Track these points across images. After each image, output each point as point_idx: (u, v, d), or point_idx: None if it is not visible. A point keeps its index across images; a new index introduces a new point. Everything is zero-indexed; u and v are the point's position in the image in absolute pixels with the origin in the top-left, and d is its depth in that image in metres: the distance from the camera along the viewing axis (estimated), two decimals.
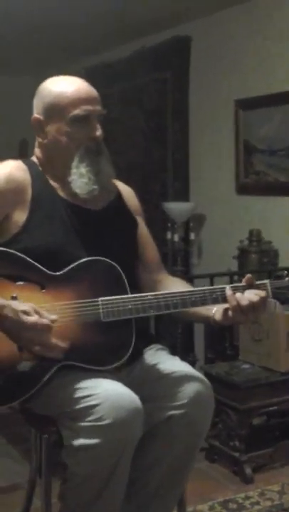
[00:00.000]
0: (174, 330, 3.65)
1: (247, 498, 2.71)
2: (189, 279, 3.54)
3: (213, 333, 3.53)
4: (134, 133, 4.73)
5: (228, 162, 3.98)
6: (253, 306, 1.78)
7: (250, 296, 1.79)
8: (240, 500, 2.69)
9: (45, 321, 1.65)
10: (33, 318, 1.64)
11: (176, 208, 4.07)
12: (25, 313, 1.64)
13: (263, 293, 1.81)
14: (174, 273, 3.74)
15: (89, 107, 1.83)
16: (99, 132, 1.86)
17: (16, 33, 4.32)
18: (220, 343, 3.49)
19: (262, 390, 2.97)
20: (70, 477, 1.73)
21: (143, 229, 2.06)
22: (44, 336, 1.65)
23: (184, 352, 3.39)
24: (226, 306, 1.81)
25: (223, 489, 2.80)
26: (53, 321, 1.66)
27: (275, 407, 3.02)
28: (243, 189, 3.91)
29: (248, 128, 3.83)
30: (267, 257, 3.61)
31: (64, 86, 1.86)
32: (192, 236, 4.09)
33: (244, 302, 1.77)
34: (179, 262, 4.06)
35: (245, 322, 1.84)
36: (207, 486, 2.82)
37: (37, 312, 1.66)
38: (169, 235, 4.11)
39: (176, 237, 4.06)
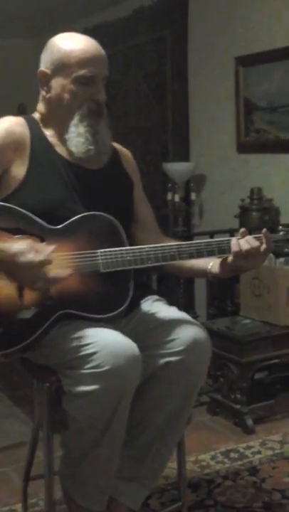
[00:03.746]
0: (176, 287, 3.70)
1: (248, 447, 2.78)
2: (189, 237, 3.58)
3: (214, 290, 3.58)
4: (134, 95, 4.72)
5: (228, 121, 3.97)
6: (252, 250, 1.80)
7: (250, 240, 1.82)
8: (242, 450, 2.76)
9: (40, 256, 1.68)
10: (29, 257, 1.67)
11: (176, 169, 4.07)
12: (20, 253, 1.67)
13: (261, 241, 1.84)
14: (175, 234, 3.79)
15: (95, 69, 1.85)
16: (102, 95, 1.88)
17: None
18: (221, 299, 3.54)
19: (262, 344, 3.01)
20: (70, 423, 1.79)
21: (139, 190, 2.09)
22: (42, 271, 1.69)
23: (186, 309, 3.43)
24: (222, 257, 1.85)
25: (225, 440, 2.87)
26: (51, 252, 1.69)
27: (276, 360, 3.07)
28: (243, 148, 3.91)
29: (248, 85, 3.81)
30: (268, 215, 3.62)
31: (73, 44, 1.86)
32: (193, 196, 4.10)
33: (244, 246, 1.80)
34: (180, 223, 4.07)
35: (244, 269, 1.86)
36: (209, 438, 2.89)
37: (32, 248, 1.69)
38: (169, 196, 4.12)
39: (176, 198, 4.07)
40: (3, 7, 4.61)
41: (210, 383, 3.15)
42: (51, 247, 1.71)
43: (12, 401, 3.38)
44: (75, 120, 1.87)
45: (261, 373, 3.15)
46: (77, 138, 1.87)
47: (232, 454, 2.72)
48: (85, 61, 1.84)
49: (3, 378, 3.60)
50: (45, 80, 1.89)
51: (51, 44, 1.90)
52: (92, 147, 1.88)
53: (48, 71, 1.88)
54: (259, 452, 2.73)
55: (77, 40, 1.88)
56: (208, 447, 2.78)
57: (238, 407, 2.98)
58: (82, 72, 1.84)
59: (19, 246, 1.70)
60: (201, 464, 2.64)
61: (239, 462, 2.64)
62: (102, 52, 1.89)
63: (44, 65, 1.90)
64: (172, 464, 2.24)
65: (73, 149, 1.88)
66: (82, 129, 1.87)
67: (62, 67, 1.85)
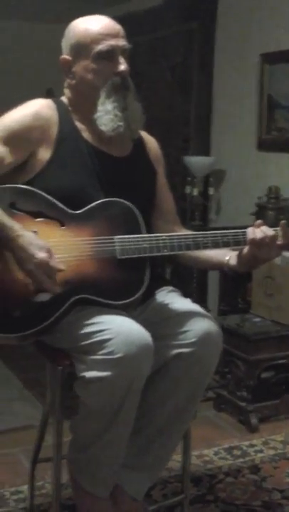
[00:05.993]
0: (189, 282, 3.69)
1: (251, 445, 2.78)
2: (205, 231, 3.56)
3: (227, 286, 3.57)
4: (158, 86, 4.70)
5: (250, 118, 3.95)
6: (266, 238, 1.80)
7: (265, 229, 1.82)
8: (245, 448, 2.76)
9: (53, 262, 1.70)
10: (44, 255, 1.69)
11: (196, 163, 4.06)
12: (39, 247, 1.69)
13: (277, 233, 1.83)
14: (191, 228, 3.77)
15: (112, 42, 1.84)
16: (124, 66, 1.86)
17: None
18: (233, 296, 3.53)
19: (271, 343, 3.01)
20: (81, 408, 1.80)
21: (162, 180, 2.09)
22: (45, 276, 1.71)
23: (198, 304, 3.43)
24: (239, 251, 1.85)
25: (229, 437, 2.88)
26: (59, 270, 1.72)
27: (284, 361, 3.07)
28: (263, 145, 3.88)
29: (272, 83, 3.79)
30: (284, 214, 3.60)
31: (87, 24, 1.87)
32: (211, 191, 4.09)
33: (259, 234, 1.80)
34: (197, 217, 4.06)
35: (259, 260, 1.84)
36: (213, 433, 2.90)
37: (49, 253, 1.71)
38: (188, 190, 4.10)
39: (195, 192, 4.05)
40: None
41: (217, 379, 3.15)
42: (61, 267, 1.72)
43: (23, 384, 3.39)
44: (102, 98, 1.86)
45: (268, 372, 3.14)
46: (106, 116, 1.86)
47: (235, 451, 2.72)
48: (100, 36, 1.84)
49: (14, 362, 3.62)
50: (68, 66, 1.90)
51: (68, 30, 1.91)
52: (121, 123, 1.87)
53: (69, 57, 1.89)
54: (261, 451, 2.73)
55: (89, 20, 1.88)
56: (211, 443, 2.78)
57: (243, 404, 2.98)
58: (99, 47, 1.83)
59: (42, 242, 1.72)
60: (204, 458, 2.64)
61: (241, 460, 2.64)
62: (117, 25, 1.88)
63: (65, 51, 1.91)
64: (176, 457, 2.25)
65: (102, 128, 1.87)
66: (109, 106, 1.86)
67: (81, 48, 1.86)
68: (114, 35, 1.85)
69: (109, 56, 1.85)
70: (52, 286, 1.72)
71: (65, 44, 1.91)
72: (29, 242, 1.70)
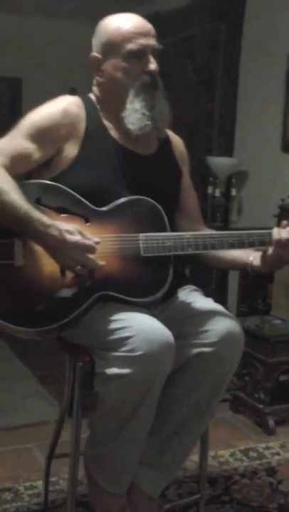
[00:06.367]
0: (208, 283, 3.69)
1: (268, 448, 2.77)
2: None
3: (247, 288, 3.56)
4: (184, 86, 4.69)
5: (275, 119, 3.93)
6: None
7: None
8: (261, 450, 2.75)
9: (88, 241, 1.71)
10: (77, 237, 1.70)
11: (219, 163, 4.05)
12: (69, 232, 1.70)
13: None
14: (212, 228, 3.76)
15: (143, 41, 1.85)
16: (154, 66, 1.87)
17: None
18: (253, 298, 3.52)
19: None
20: (100, 405, 1.80)
21: (187, 179, 2.09)
22: (86, 255, 1.72)
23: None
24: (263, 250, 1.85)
25: (245, 438, 2.87)
26: (96, 243, 1.73)
27: None
28: (288, 147, 3.87)
29: None
30: None
31: (118, 22, 1.87)
32: (233, 192, 4.08)
33: (285, 235, 1.80)
34: (218, 218, 4.05)
35: (284, 261, 1.83)
36: (230, 434, 2.89)
37: (80, 233, 1.72)
38: (210, 190, 4.10)
39: (217, 193, 4.05)
40: None
41: (234, 381, 3.14)
42: (97, 239, 1.74)
43: (38, 380, 3.41)
44: (131, 97, 1.87)
45: (287, 375, 3.13)
46: (133, 114, 1.87)
47: (251, 453, 2.71)
48: (131, 35, 1.84)
49: (29, 358, 3.64)
50: (97, 64, 1.90)
51: (99, 28, 1.91)
52: (148, 122, 1.87)
53: (99, 55, 1.89)
54: (278, 454, 2.72)
55: (121, 18, 1.88)
56: (228, 444, 2.78)
57: (260, 406, 2.97)
58: (129, 46, 1.84)
59: (69, 226, 1.72)
60: (219, 459, 2.63)
61: (257, 462, 2.64)
62: (148, 24, 1.89)
63: (95, 49, 1.91)
64: (192, 457, 2.24)
65: (130, 126, 1.87)
66: (138, 105, 1.86)
67: (111, 47, 1.86)
68: (145, 35, 1.86)
69: (139, 55, 1.85)
70: (96, 263, 1.73)
71: (96, 41, 1.91)
72: (58, 229, 1.70)
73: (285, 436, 2.88)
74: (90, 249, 1.72)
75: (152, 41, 1.87)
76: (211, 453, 2.62)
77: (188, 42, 4.61)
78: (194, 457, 2.22)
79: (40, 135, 1.84)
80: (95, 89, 1.96)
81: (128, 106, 1.87)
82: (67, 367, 2.00)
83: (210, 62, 4.44)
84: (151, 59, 1.87)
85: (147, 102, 1.86)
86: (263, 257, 1.85)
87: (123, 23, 1.86)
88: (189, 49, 4.62)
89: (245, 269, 1.94)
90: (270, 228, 1.86)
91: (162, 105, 1.91)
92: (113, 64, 1.87)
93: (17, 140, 1.83)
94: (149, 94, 1.87)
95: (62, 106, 1.88)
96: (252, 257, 1.89)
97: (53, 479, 2.32)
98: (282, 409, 3.02)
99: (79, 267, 1.73)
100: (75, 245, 1.70)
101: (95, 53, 1.91)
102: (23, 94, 5.56)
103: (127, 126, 1.88)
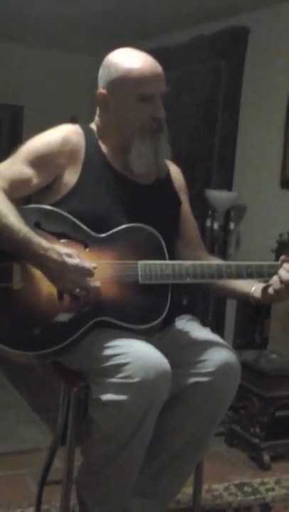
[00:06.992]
0: (205, 314, 3.68)
1: (263, 483, 2.74)
2: None
3: (244, 321, 3.55)
4: (184, 120, 4.74)
5: (275, 155, 3.97)
6: None
7: None
8: (256, 485, 2.71)
9: (86, 264, 1.72)
10: (76, 261, 1.71)
11: (218, 197, 4.07)
12: (68, 255, 1.71)
13: None
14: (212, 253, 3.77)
15: (154, 87, 1.85)
16: (162, 112, 1.89)
17: (76, 13, 4.38)
18: (250, 331, 3.51)
19: (288, 381, 2.97)
20: (94, 432, 1.79)
21: (186, 207, 2.10)
22: (85, 278, 1.72)
23: None
24: (265, 284, 1.84)
25: (240, 473, 2.83)
26: (94, 268, 1.74)
27: None
28: (287, 183, 3.90)
29: None
30: None
31: (131, 62, 1.84)
32: (232, 226, 4.10)
33: (285, 276, 1.78)
34: (216, 251, 4.06)
35: (283, 298, 1.82)
36: (224, 468, 2.85)
37: (78, 257, 1.73)
38: (208, 223, 4.12)
39: (215, 226, 4.07)
40: (66, 24, 4.70)
41: (229, 414, 3.11)
42: (94, 264, 1.76)
43: (31, 408, 3.39)
44: (137, 140, 1.87)
45: (283, 411, 3.10)
46: (139, 159, 1.88)
47: (246, 488, 2.67)
48: (144, 80, 1.83)
49: (23, 385, 3.62)
50: (104, 101, 1.89)
51: (108, 63, 1.88)
52: (152, 166, 1.90)
53: (106, 92, 1.88)
54: (273, 489, 2.68)
55: (134, 58, 1.86)
56: (222, 478, 2.74)
57: (256, 441, 2.94)
58: (141, 91, 1.83)
59: (68, 249, 1.74)
60: (213, 493, 2.60)
61: (252, 497, 2.60)
62: (160, 68, 1.88)
63: (102, 84, 1.89)
64: (185, 489, 2.21)
65: (134, 169, 1.89)
66: (143, 149, 1.87)
67: (121, 87, 1.85)
68: (157, 80, 1.86)
69: (149, 100, 1.85)
70: (94, 286, 1.74)
71: (104, 77, 1.88)
72: (57, 252, 1.71)
73: (280, 472, 2.85)
74: (89, 273, 1.73)
75: (163, 86, 1.88)
76: (205, 486, 2.58)
77: (190, 77, 4.68)
78: (188, 489, 2.19)
79: (40, 161, 1.86)
80: (97, 119, 1.97)
81: (134, 150, 1.88)
82: (61, 393, 1.98)
83: (211, 98, 4.50)
84: (160, 104, 1.88)
85: (152, 146, 1.88)
86: (264, 291, 1.84)
87: (136, 64, 1.84)
88: (190, 85, 4.68)
89: (246, 299, 1.93)
90: (266, 264, 1.85)
91: (165, 149, 1.92)
92: (122, 104, 1.87)
93: (16, 165, 1.85)
94: (155, 138, 1.89)
95: (63, 134, 1.90)
96: (253, 287, 1.88)
97: (44, 507, 2.28)
98: (278, 444, 2.98)
99: (78, 290, 1.73)
100: (75, 268, 1.71)
101: (102, 90, 1.88)
102: (24, 122, 5.63)
103: (132, 168, 1.89)
